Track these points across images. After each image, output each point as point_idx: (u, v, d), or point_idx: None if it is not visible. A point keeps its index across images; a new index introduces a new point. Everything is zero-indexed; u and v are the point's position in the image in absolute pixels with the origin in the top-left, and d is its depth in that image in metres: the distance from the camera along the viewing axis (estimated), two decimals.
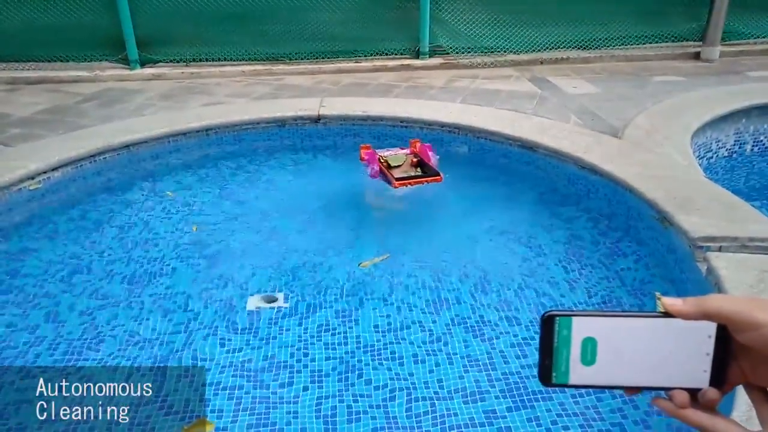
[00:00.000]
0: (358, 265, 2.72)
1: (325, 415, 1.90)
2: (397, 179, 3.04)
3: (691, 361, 0.52)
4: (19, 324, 2.34)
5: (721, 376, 0.52)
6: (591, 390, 1.93)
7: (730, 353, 0.51)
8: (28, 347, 2.21)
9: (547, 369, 0.54)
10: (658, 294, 2.49)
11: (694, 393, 0.52)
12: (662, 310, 0.52)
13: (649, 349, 0.52)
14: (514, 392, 1.98)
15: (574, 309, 0.51)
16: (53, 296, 2.52)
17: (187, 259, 2.81)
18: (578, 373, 0.54)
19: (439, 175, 3.06)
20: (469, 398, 1.96)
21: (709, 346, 0.51)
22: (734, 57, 6.04)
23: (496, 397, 1.96)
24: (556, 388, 0.56)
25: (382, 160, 3.22)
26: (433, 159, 3.24)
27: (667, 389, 0.53)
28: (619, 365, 0.53)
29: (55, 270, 2.71)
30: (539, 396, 1.95)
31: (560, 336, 0.53)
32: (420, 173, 3.16)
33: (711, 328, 0.51)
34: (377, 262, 2.72)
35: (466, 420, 1.87)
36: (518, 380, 2.03)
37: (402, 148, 3.35)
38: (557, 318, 0.53)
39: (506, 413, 1.90)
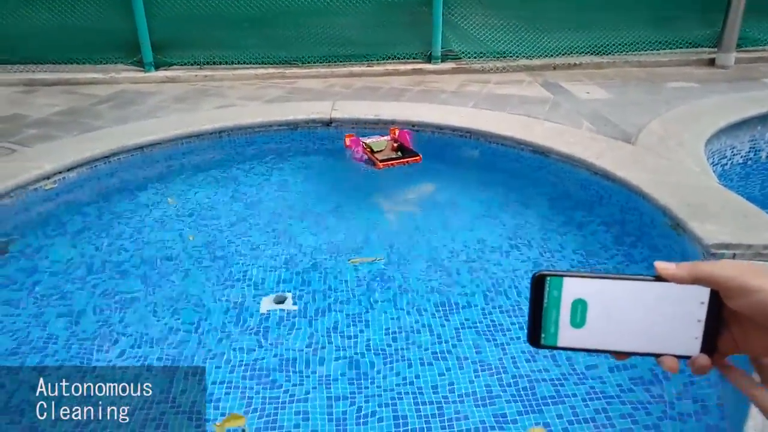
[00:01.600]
0: (348, 261, 2.76)
1: (338, 419, 1.90)
2: (381, 161, 3.45)
3: (683, 327, 0.51)
4: (32, 321, 2.37)
5: (712, 344, 0.51)
6: (600, 394, 1.94)
7: (722, 321, 0.50)
8: (43, 343, 2.24)
9: (536, 330, 0.53)
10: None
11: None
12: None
13: (640, 313, 0.51)
14: (523, 396, 1.97)
15: (565, 270, 0.51)
16: (67, 294, 2.55)
17: (198, 259, 2.83)
18: (567, 335, 0.53)
19: (418, 155, 3.48)
20: (479, 401, 1.95)
21: (702, 312, 0.50)
22: (750, 63, 5.99)
23: (507, 401, 1.95)
24: (546, 350, 0.56)
25: (365, 146, 3.58)
26: (411, 143, 3.65)
27: (657, 355, 0.52)
28: (609, 329, 0.52)
29: (68, 268, 2.74)
30: (549, 401, 1.94)
31: (550, 296, 0.52)
32: (401, 156, 3.56)
33: (704, 294, 0.50)
34: (368, 262, 2.75)
35: (477, 423, 1.87)
36: (527, 384, 2.02)
37: (383, 136, 3.74)
38: (548, 278, 0.53)
39: (516, 417, 1.89)
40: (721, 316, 0.50)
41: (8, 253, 2.86)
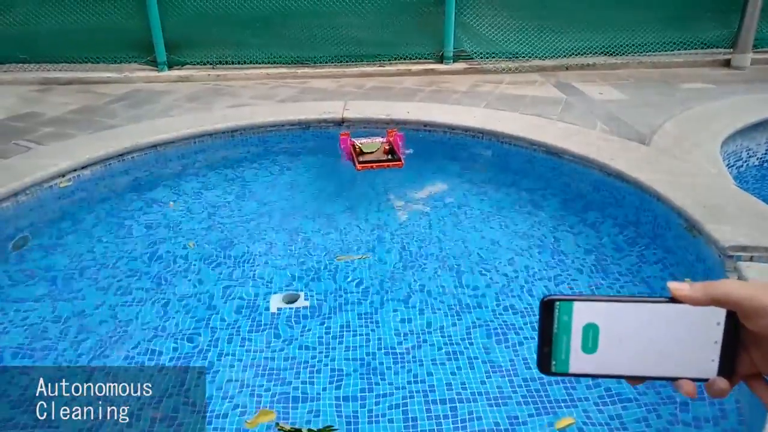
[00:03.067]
0: (336, 258, 2.77)
1: (346, 415, 1.90)
2: (360, 162, 3.31)
3: (699, 349, 0.49)
4: (46, 317, 2.39)
5: (729, 366, 0.49)
6: (616, 397, 1.92)
7: (740, 342, 0.49)
8: (56, 341, 2.26)
9: (547, 357, 0.52)
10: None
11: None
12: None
13: (654, 336, 0.50)
14: (536, 398, 1.96)
15: (576, 293, 0.48)
16: (80, 291, 2.57)
17: (210, 257, 2.84)
18: (579, 361, 0.51)
19: (400, 160, 3.33)
20: (493, 403, 1.94)
21: (718, 333, 0.49)
22: (766, 65, 5.91)
23: (518, 403, 1.94)
24: (557, 377, 0.53)
25: (356, 146, 3.45)
26: (401, 148, 3.49)
27: (672, 379, 0.51)
28: (622, 354, 0.51)
29: (82, 265, 2.76)
30: (562, 404, 1.92)
31: (560, 322, 0.51)
32: (387, 159, 3.42)
33: (720, 314, 0.48)
34: (355, 260, 2.75)
35: (491, 424, 1.85)
36: (539, 387, 2.01)
37: (379, 138, 3.59)
38: (557, 303, 0.51)
39: (527, 419, 1.88)
40: (739, 336, 0.48)
41: (24, 249, 2.89)
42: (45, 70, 5.78)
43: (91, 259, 2.82)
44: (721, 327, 0.48)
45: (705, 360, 0.49)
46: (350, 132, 3.71)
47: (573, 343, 0.51)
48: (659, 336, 0.50)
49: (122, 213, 3.29)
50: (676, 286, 0.49)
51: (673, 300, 0.49)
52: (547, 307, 0.51)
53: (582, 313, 0.50)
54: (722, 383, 0.49)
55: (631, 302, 0.50)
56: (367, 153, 3.41)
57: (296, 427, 1.84)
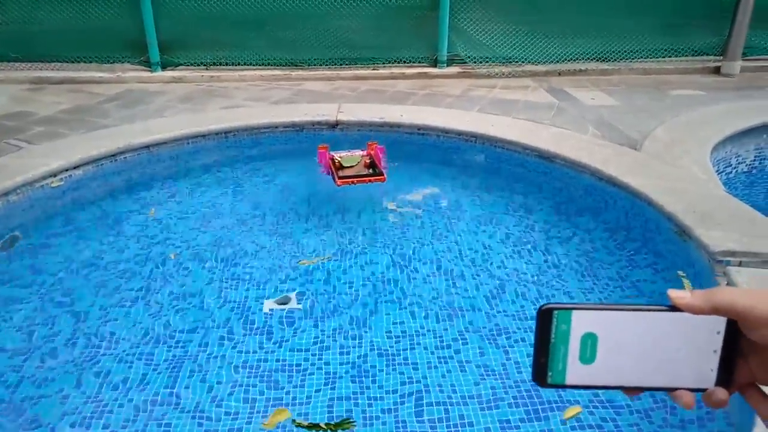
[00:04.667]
0: (298, 263, 2.75)
1: (339, 417, 1.89)
2: (340, 177, 3.15)
3: (698, 359, 0.48)
4: (36, 318, 2.37)
5: (727, 376, 0.48)
6: (607, 403, 1.93)
7: (739, 351, 0.48)
8: (44, 342, 2.24)
9: (543, 368, 0.50)
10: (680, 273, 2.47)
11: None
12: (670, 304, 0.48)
13: (653, 345, 0.49)
14: (528, 402, 1.97)
15: (574, 302, 0.46)
16: (70, 292, 2.55)
17: (203, 259, 2.83)
18: (576, 372, 0.49)
19: (382, 175, 3.18)
20: (485, 406, 1.94)
21: (718, 342, 0.48)
22: (755, 72, 5.99)
23: (509, 406, 1.95)
24: (551, 389, 0.51)
25: (335, 160, 3.30)
26: (383, 161, 3.35)
27: (670, 390, 0.49)
28: (620, 364, 0.49)
29: (73, 266, 2.75)
30: (555, 407, 1.93)
31: (558, 331, 0.49)
32: (369, 173, 3.27)
33: (720, 323, 0.47)
34: (317, 263, 2.75)
35: (482, 429, 1.86)
36: (530, 389, 2.02)
37: (360, 150, 3.44)
38: (556, 311, 0.49)
39: (519, 423, 1.89)
40: (737, 345, 0.48)
41: (13, 248, 2.87)
42: (37, 69, 5.74)
43: (81, 259, 2.80)
44: (721, 336, 0.48)
45: (704, 369, 0.48)
46: (339, 140, 3.64)
47: (571, 354, 0.49)
48: (658, 345, 0.49)
49: (114, 213, 3.27)
50: (676, 294, 0.48)
51: (673, 308, 0.48)
52: (544, 316, 0.49)
53: (581, 323, 0.49)
54: (722, 393, 0.48)
55: (631, 311, 0.49)
56: (347, 167, 3.27)
57: (314, 422, 1.84)
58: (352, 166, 3.29)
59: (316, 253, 2.87)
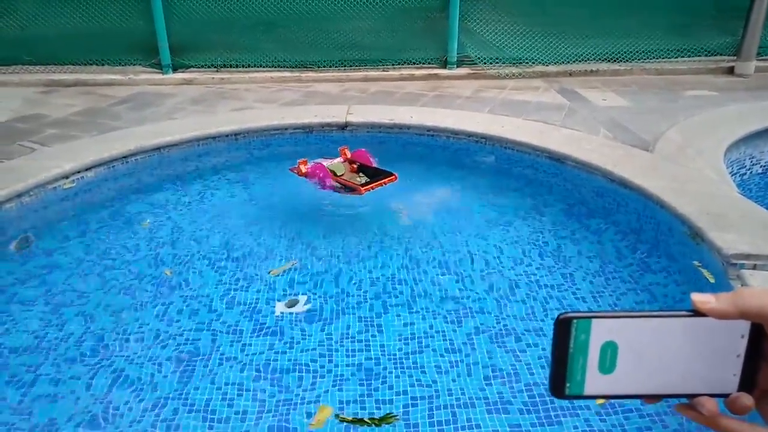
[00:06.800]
0: (268, 272, 2.72)
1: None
2: (363, 185, 3.08)
3: (721, 364, 0.47)
4: (48, 319, 2.39)
5: (751, 381, 0.47)
6: (618, 408, 1.91)
7: (762, 355, 0.46)
8: (58, 342, 2.26)
9: (560, 379, 0.48)
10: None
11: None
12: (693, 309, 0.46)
13: (675, 352, 0.47)
14: (539, 406, 1.95)
15: (593, 310, 0.43)
16: (82, 293, 2.57)
17: (213, 261, 2.84)
18: (595, 382, 0.48)
19: (393, 174, 3.14)
20: (492, 409, 1.93)
21: (741, 347, 0.46)
22: None
23: (520, 411, 1.93)
24: (571, 400, 0.50)
25: (335, 172, 3.20)
26: (374, 162, 3.31)
27: (691, 396, 0.48)
28: (641, 372, 0.48)
29: (85, 267, 2.77)
30: (567, 412, 1.91)
31: (577, 341, 0.47)
32: (368, 176, 3.20)
33: (744, 327, 0.46)
34: (287, 269, 2.73)
35: None
36: (542, 392, 2.00)
37: (334, 158, 3.35)
38: (575, 321, 0.47)
39: (530, 428, 1.87)
40: (760, 349, 0.46)
41: (26, 250, 2.90)
42: (50, 71, 5.81)
43: (93, 260, 2.82)
44: (745, 340, 0.46)
45: (726, 375, 0.47)
46: (348, 141, 3.54)
47: (590, 363, 0.48)
48: (681, 351, 0.47)
49: (125, 214, 3.29)
50: (700, 299, 0.45)
51: (696, 313, 0.46)
52: (562, 326, 0.47)
53: (600, 331, 0.47)
54: (747, 399, 0.46)
55: (652, 317, 0.47)
56: (341, 176, 3.20)
57: (357, 417, 1.84)
58: (343, 174, 3.23)
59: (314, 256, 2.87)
